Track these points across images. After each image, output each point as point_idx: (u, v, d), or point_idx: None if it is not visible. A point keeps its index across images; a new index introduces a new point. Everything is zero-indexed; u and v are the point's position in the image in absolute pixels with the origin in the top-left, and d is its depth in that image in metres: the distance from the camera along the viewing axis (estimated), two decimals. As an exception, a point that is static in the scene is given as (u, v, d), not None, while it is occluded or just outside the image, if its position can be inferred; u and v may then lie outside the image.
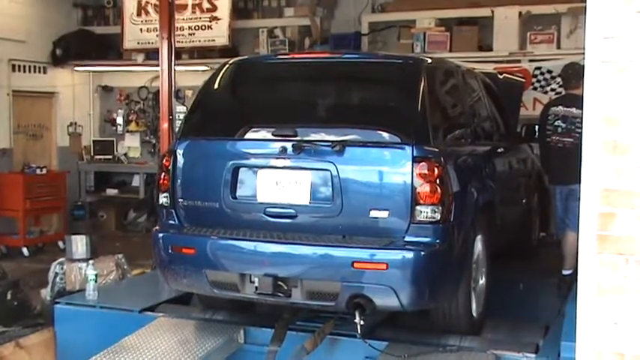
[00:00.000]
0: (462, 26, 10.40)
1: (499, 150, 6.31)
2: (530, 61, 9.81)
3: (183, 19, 11.40)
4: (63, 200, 11.35)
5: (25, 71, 11.79)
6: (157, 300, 5.92)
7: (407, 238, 4.50)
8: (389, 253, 4.46)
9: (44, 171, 11.20)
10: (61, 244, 10.13)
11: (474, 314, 5.10)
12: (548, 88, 9.42)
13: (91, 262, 6.55)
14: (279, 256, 4.68)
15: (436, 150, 4.61)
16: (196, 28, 11.59)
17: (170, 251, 4.96)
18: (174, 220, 5.05)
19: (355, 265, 4.46)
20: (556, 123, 6.60)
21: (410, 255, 4.44)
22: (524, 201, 7.19)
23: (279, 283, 4.64)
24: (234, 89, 5.47)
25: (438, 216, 4.48)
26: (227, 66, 5.40)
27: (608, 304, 3.57)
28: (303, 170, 4.72)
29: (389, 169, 4.57)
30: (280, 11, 11.66)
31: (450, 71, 5.64)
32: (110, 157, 12.94)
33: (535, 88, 9.53)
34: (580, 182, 3.70)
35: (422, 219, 4.48)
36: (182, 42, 10.96)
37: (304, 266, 4.63)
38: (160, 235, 5.04)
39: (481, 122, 6.10)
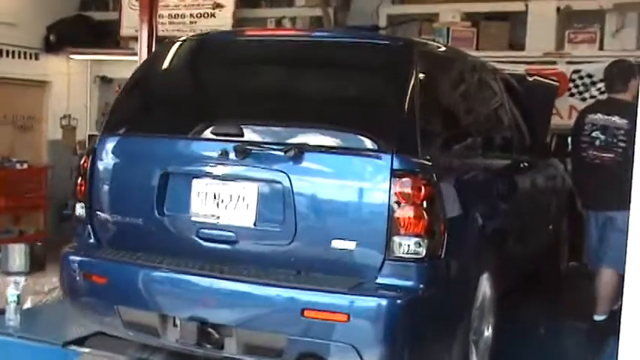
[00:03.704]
0: (490, 21, 9.40)
1: (521, 165, 5.26)
2: (568, 63, 8.73)
3: (185, 6, 10.58)
4: (43, 198, 10.44)
5: (14, 57, 10.89)
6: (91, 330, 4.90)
7: (380, 280, 3.40)
8: (352, 299, 3.34)
9: (25, 166, 10.32)
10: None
11: (475, 375, 3.98)
12: (588, 95, 8.35)
13: (23, 278, 5.55)
14: (209, 295, 3.59)
15: (426, 162, 3.50)
16: (198, 15, 10.69)
17: (78, 278, 3.94)
18: (91, 238, 4.03)
19: (306, 313, 3.37)
20: (594, 134, 5.48)
21: (382, 303, 3.33)
22: (550, 227, 6.12)
23: (209, 330, 3.55)
24: (172, 74, 4.37)
25: (423, 251, 3.38)
26: (168, 46, 4.31)
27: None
28: (247, 181, 3.63)
29: (359, 184, 3.47)
30: (290, 0, 10.81)
31: (455, 61, 4.51)
32: (105, 153, 12.01)
33: (572, 94, 8.46)
34: (622, 209, 3.09)
35: (401, 254, 3.38)
36: (183, 30, 10.01)
37: (241, 310, 3.56)
38: (68, 256, 4.01)
39: (498, 130, 5.03)
